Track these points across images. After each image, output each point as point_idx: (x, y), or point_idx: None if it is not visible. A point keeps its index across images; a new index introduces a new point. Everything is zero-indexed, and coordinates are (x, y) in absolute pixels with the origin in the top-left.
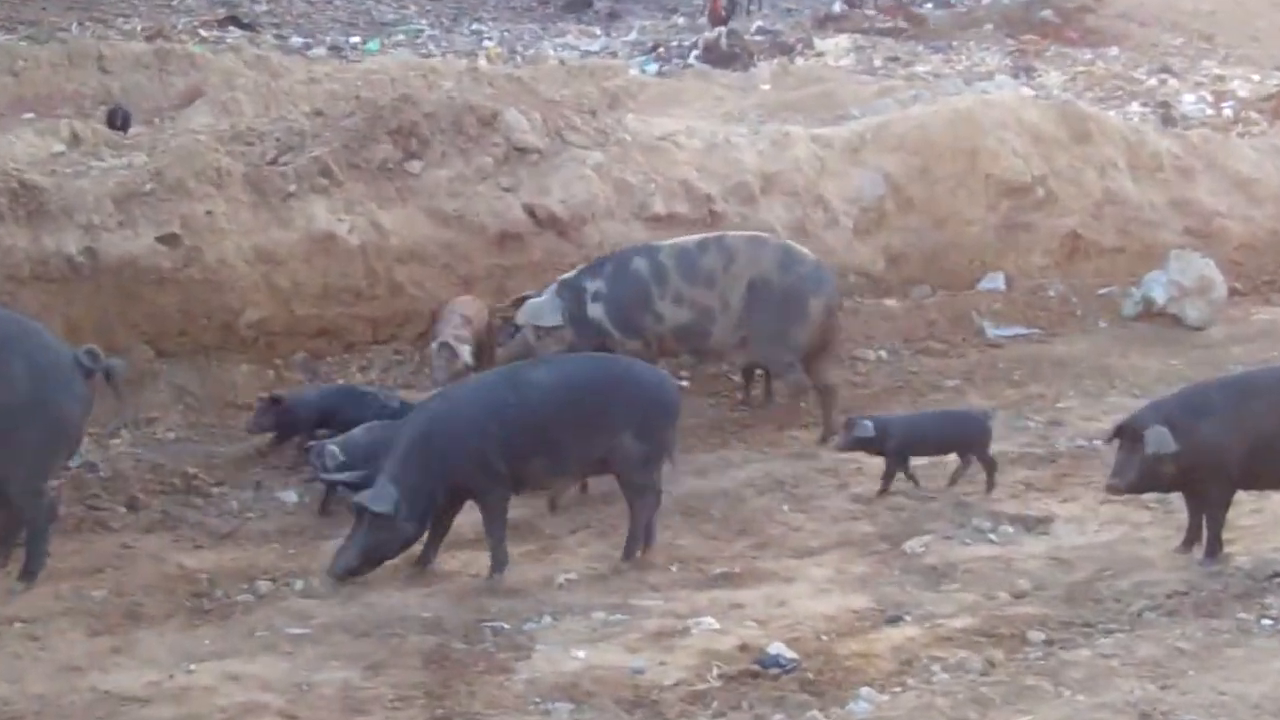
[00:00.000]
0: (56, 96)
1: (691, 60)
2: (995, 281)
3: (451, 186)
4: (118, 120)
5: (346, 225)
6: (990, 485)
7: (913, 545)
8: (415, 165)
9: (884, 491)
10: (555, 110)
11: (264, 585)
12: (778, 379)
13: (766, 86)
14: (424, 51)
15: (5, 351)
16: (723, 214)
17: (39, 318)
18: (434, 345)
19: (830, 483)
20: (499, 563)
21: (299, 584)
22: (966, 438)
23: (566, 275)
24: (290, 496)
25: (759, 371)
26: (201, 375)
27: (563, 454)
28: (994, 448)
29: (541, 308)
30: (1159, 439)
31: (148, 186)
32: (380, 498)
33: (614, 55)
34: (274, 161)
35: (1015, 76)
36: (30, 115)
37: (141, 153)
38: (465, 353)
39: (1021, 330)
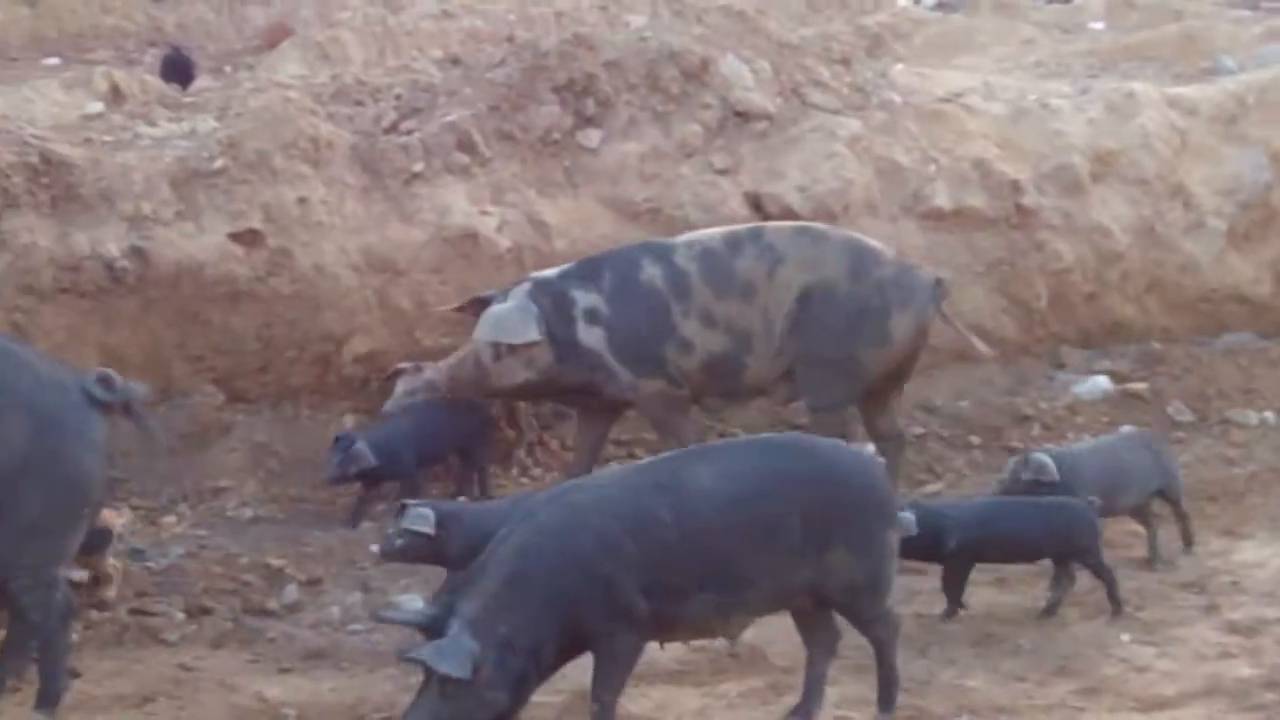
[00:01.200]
0: (90, 35)
1: None
2: None
3: (643, 166)
4: (176, 70)
5: (494, 220)
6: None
7: None
8: (592, 135)
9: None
10: (792, 59)
11: None
12: (811, 423)
13: (1099, 25)
14: None
15: None
16: (1034, 209)
17: (67, 346)
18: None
19: (1192, 602)
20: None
21: None
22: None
23: (542, 274)
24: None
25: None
26: (288, 429)
27: (740, 586)
28: None
29: (508, 318)
30: None
31: (217, 163)
32: (449, 653)
33: None
34: (393, 129)
35: None
36: (54, 60)
37: (208, 116)
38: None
39: None
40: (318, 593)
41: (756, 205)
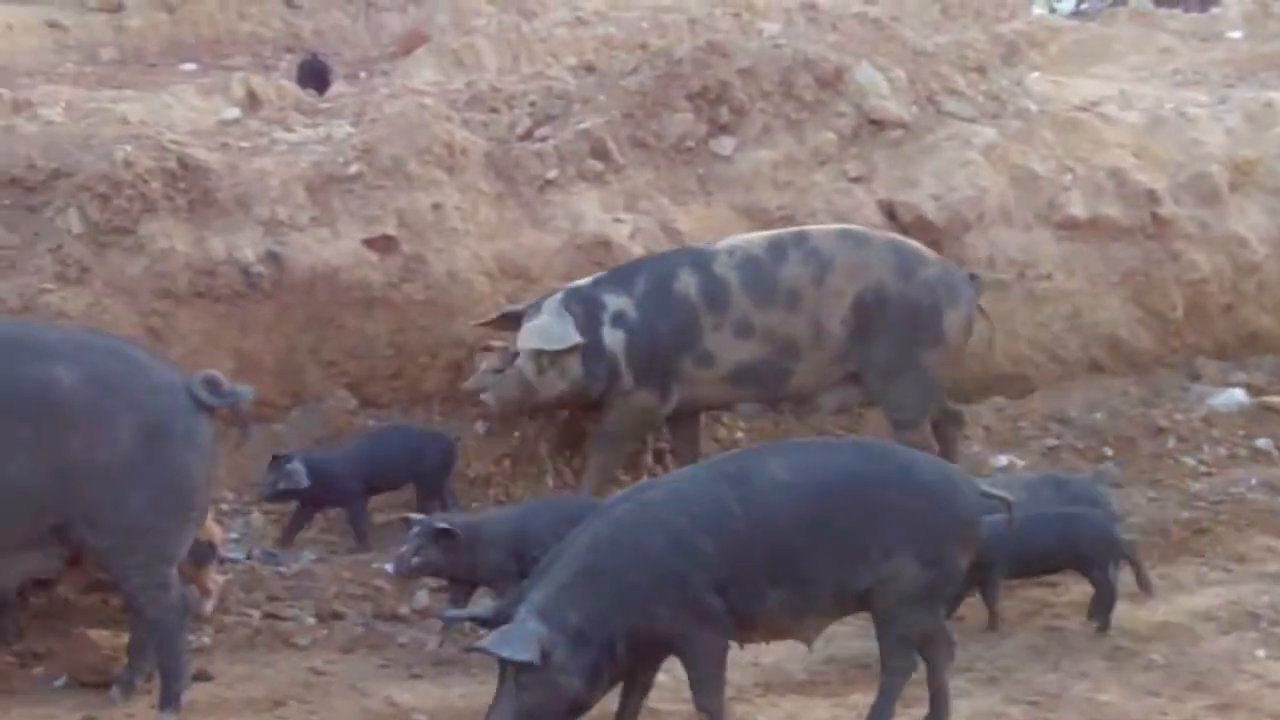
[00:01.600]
0: (227, 41)
1: None
2: None
3: (776, 174)
4: (312, 76)
5: (627, 227)
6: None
7: None
8: (725, 143)
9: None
10: (927, 66)
11: None
12: (896, 438)
13: (1237, 34)
14: None
15: (107, 398)
16: (1171, 218)
17: (202, 351)
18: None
19: None
20: None
21: None
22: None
23: (576, 283)
24: None
25: None
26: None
27: (810, 587)
28: None
29: (548, 327)
30: None
31: (352, 169)
32: (515, 640)
33: None
34: (527, 136)
35: None
36: (191, 66)
37: (344, 121)
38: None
39: None
40: (449, 598)
41: (890, 213)
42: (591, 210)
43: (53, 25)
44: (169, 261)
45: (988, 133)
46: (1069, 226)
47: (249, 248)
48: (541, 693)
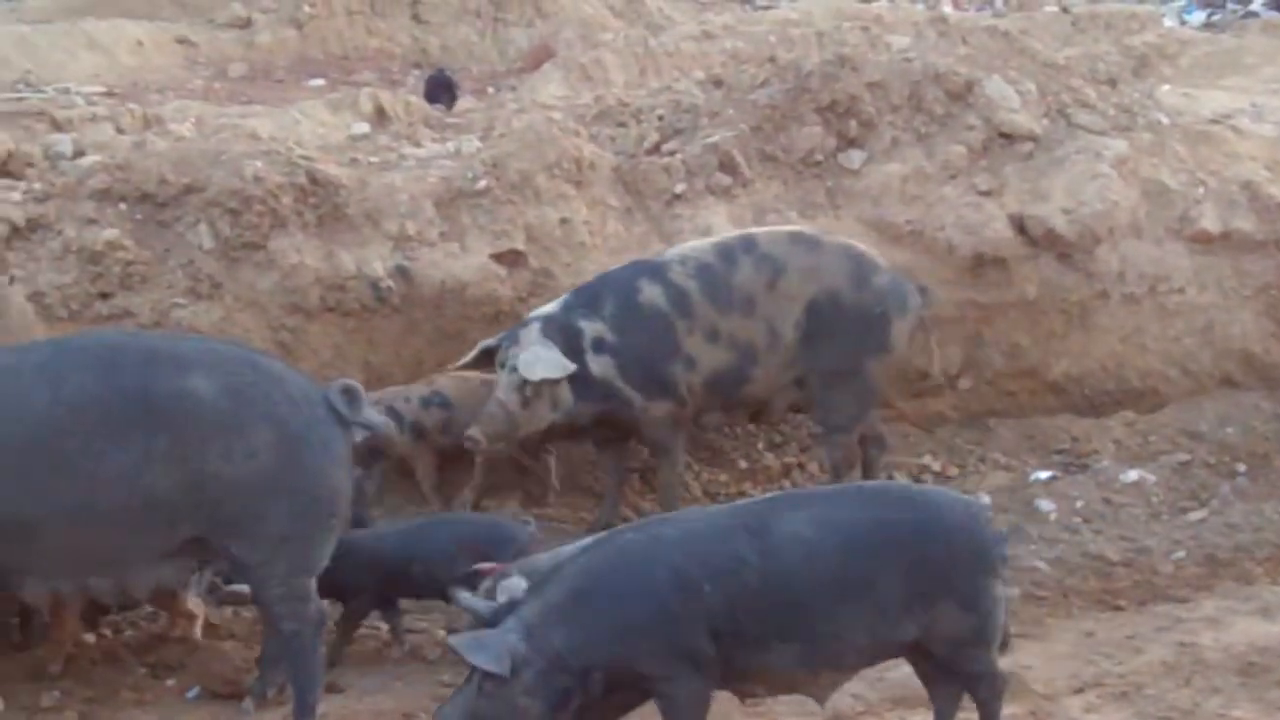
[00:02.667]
0: (355, 57)
1: (1256, 6)
2: None
3: (905, 188)
4: (440, 92)
5: None
6: None
7: None
8: (854, 157)
9: None
10: (1057, 79)
11: None
12: (823, 442)
13: None
14: None
15: (244, 408)
16: None
17: (332, 365)
18: None
19: None
20: None
21: None
22: None
23: (543, 310)
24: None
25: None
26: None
27: (830, 641)
28: None
29: (542, 357)
30: None
31: (481, 184)
32: (489, 647)
33: None
34: (655, 150)
35: None
36: (319, 81)
37: (472, 136)
38: None
39: None
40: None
41: (1020, 227)
42: (719, 224)
43: (182, 41)
44: (299, 276)
45: (1119, 145)
46: (1201, 240)
47: (378, 262)
48: (499, 707)
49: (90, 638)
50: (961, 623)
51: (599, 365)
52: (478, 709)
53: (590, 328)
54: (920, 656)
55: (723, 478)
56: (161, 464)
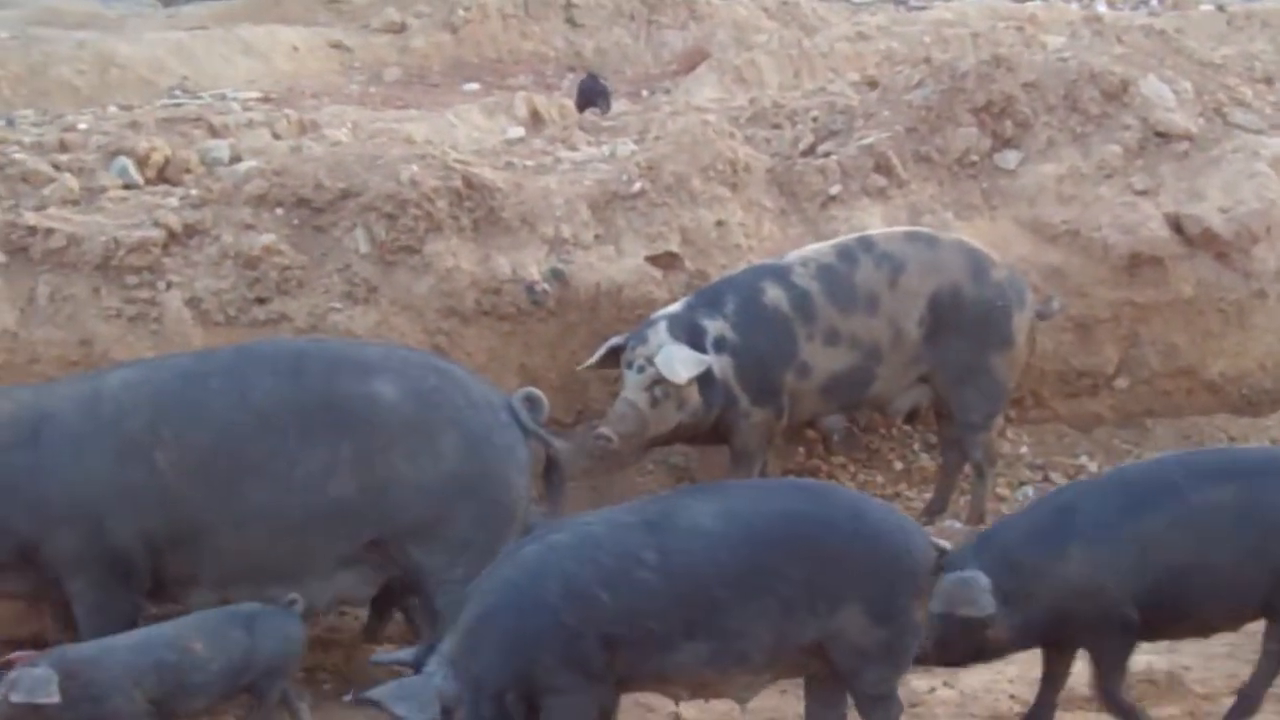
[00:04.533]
0: (509, 61)
1: None
2: None
3: (1061, 188)
4: (594, 97)
5: None
6: None
7: None
8: (1010, 157)
9: None
10: (1214, 78)
11: None
12: (963, 443)
13: None
14: None
15: (429, 413)
16: None
17: (487, 368)
18: None
19: None
20: None
21: None
22: None
23: (668, 310)
24: None
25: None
26: (705, 452)
27: (735, 640)
28: None
29: (679, 355)
30: None
31: (636, 186)
32: (415, 695)
33: None
34: (810, 152)
35: None
36: (474, 85)
37: (627, 139)
38: None
39: None
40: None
41: (1177, 226)
42: (874, 225)
43: (337, 46)
44: (454, 280)
45: (1276, 144)
46: None
47: (534, 266)
48: None
49: None
50: (868, 635)
51: (718, 365)
52: None
53: (713, 326)
54: (823, 674)
55: (879, 479)
56: (347, 468)
